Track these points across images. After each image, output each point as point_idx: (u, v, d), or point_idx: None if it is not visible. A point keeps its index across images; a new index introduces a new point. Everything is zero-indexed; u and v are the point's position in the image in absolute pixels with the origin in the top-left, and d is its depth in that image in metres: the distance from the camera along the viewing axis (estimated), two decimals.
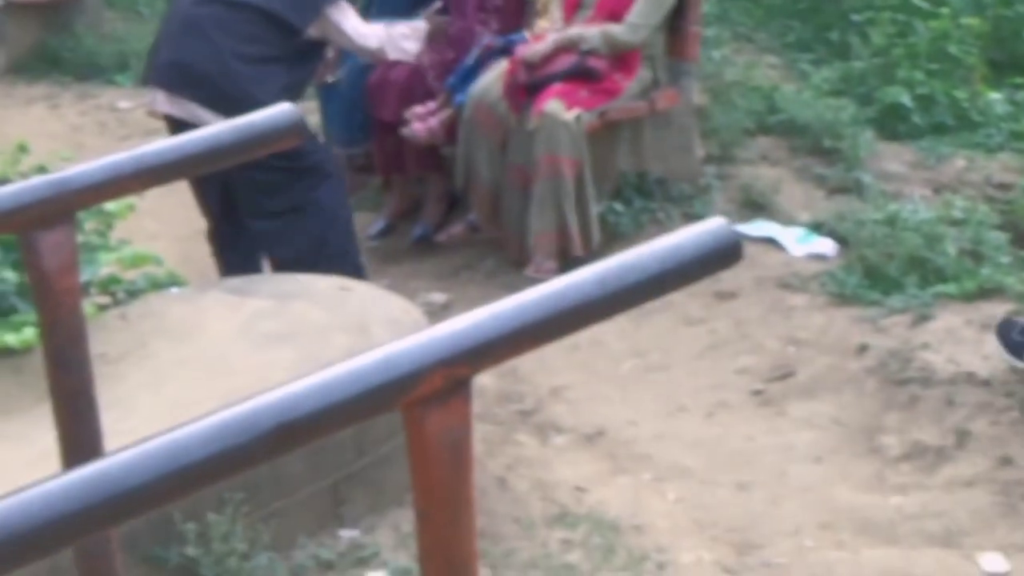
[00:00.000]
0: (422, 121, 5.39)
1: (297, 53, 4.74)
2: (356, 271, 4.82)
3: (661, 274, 1.52)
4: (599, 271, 1.49)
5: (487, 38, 5.62)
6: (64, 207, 1.86)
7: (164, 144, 1.98)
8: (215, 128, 2.02)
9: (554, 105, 5.16)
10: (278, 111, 2.07)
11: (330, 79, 5.69)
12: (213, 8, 4.67)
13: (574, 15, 5.53)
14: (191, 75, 4.62)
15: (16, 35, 8.15)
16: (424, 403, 1.33)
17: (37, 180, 1.87)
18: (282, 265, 4.80)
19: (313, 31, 4.75)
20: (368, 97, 5.65)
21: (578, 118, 5.18)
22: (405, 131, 5.39)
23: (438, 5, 5.44)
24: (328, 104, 5.92)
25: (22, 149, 4.09)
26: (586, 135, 5.22)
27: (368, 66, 5.70)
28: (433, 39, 5.33)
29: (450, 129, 5.38)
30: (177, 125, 4.69)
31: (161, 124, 6.97)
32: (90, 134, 7.02)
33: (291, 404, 1.29)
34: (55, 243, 1.83)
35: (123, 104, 7.39)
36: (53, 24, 8.18)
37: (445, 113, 5.40)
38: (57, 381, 1.86)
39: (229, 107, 4.52)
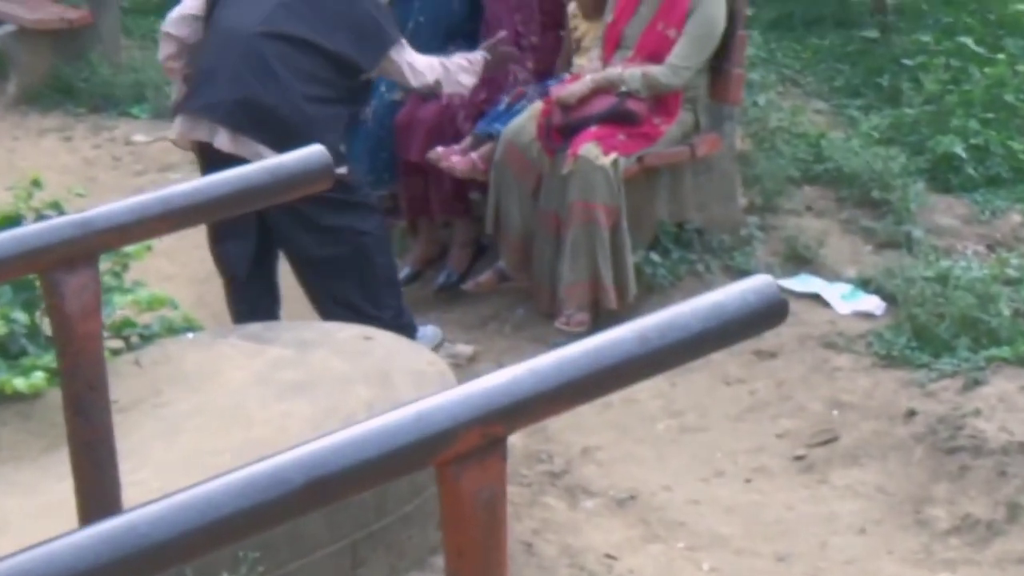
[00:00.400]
0: (459, 155, 5.44)
1: (352, 93, 4.85)
2: (399, 306, 4.89)
3: (703, 333, 1.56)
4: (639, 329, 1.53)
5: (520, 77, 5.68)
6: (88, 248, 1.91)
7: (191, 186, 2.04)
8: (243, 170, 2.07)
9: (590, 149, 5.20)
10: (308, 153, 2.13)
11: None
12: (278, 45, 4.70)
13: (613, 54, 5.57)
14: (260, 115, 4.63)
15: (28, 63, 8.24)
16: (459, 461, 1.37)
17: (61, 220, 1.93)
18: (329, 302, 4.85)
19: (374, 71, 4.87)
20: (395, 136, 5.71)
21: (615, 163, 5.21)
22: (443, 164, 5.42)
23: (502, 35, 5.50)
24: (354, 143, 5.97)
25: (36, 184, 4.14)
26: (623, 181, 5.25)
27: (396, 103, 5.76)
28: (493, 71, 5.40)
29: (489, 164, 5.43)
30: (212, 157, 4.69)
31: (178, 158, 7.09)
32: (103, 168, 7.09)
33: (322, 460, 1.33)
34: (78, 285, 1.88)
35: (138, 137, 7.46)
36: (67, 52, 8.25)
37: (486, 147, 5.45)
38: (75, 429, 1.90)
39: (295, 149, 4.57)
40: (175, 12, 5.01)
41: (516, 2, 5.88)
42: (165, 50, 5.02)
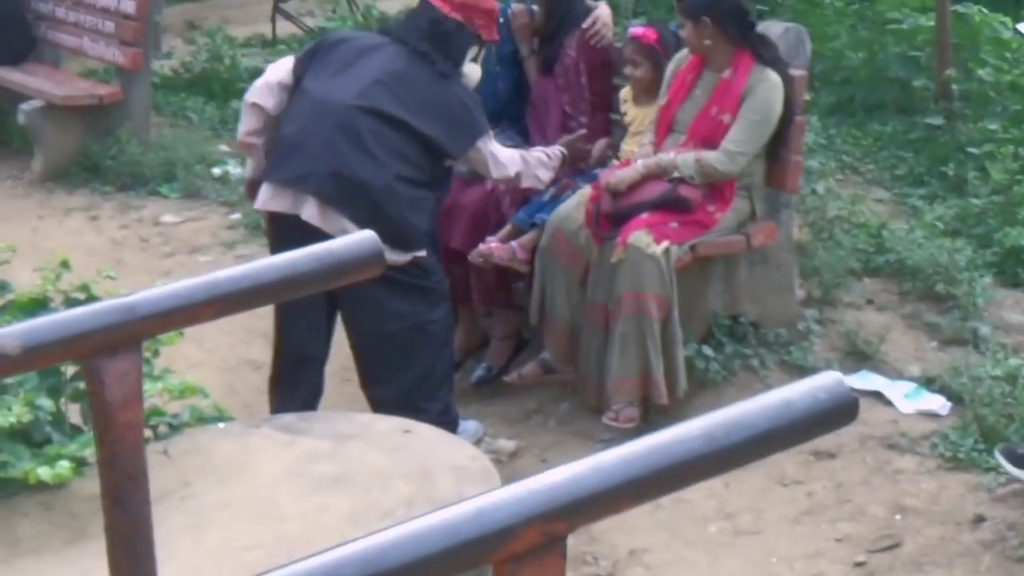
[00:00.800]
0: (499, 242, 5.48)
1: (436, 178, 4.90)
2: (449, 401, 4.96)
3: (771, 432, 1.59)
4: (705, 426, 1.56)
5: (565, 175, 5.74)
6: (131, 334, 1.96)
7: (238, 271, 2.08)
8: (292, 255, 2.12)
9: (641, 237, 5.21)
10: (359, 239, 2.17)
11: None
12: (373, 121, 4.75)
13: (665, 139, 5.60)
14: (352, 189, 4.67)
15: (55, 140, 8.34)
16: (518, 559, 1.39)
17: (103, 305, 1.97)
18: (384, 388, 4.86)
19: (460, 158, 4.96)
20: (437, 222, 5.75)
21: (667, 252, 5.22)
22: (481, 254, 5.46)
23: (582, 132, 5.64)
24: None
25: (64, 265, 4.19)
26: (675, 271, 5.26)
27: None
28: (572, 163, 5.51)
29: (533, 254, 5.47)
30: (286, 230, 4.70)
31: (207, 239, 7.17)
32: (131, 249, 7.16)
33: (379, 555, 1.36)
34: (120, 372, 1.92)
35: (167, 218, 7.52)
36: (95, 129, 8.34)
37: (527, 236, 5.49)
38: (113, 520, 1.93)
39: (384, 229, 4.57)
40: (260, 81, 5.02)
41: (564, 82, 5.96)
42: (249, 124, 4.99)
